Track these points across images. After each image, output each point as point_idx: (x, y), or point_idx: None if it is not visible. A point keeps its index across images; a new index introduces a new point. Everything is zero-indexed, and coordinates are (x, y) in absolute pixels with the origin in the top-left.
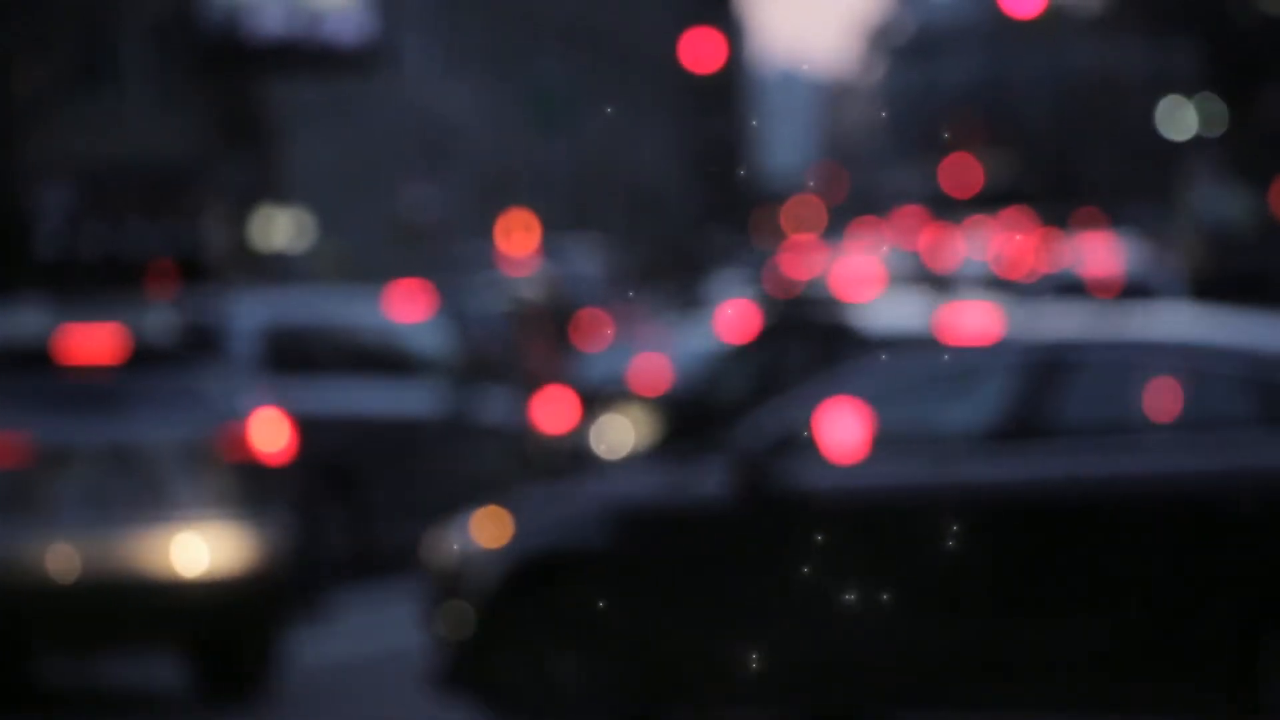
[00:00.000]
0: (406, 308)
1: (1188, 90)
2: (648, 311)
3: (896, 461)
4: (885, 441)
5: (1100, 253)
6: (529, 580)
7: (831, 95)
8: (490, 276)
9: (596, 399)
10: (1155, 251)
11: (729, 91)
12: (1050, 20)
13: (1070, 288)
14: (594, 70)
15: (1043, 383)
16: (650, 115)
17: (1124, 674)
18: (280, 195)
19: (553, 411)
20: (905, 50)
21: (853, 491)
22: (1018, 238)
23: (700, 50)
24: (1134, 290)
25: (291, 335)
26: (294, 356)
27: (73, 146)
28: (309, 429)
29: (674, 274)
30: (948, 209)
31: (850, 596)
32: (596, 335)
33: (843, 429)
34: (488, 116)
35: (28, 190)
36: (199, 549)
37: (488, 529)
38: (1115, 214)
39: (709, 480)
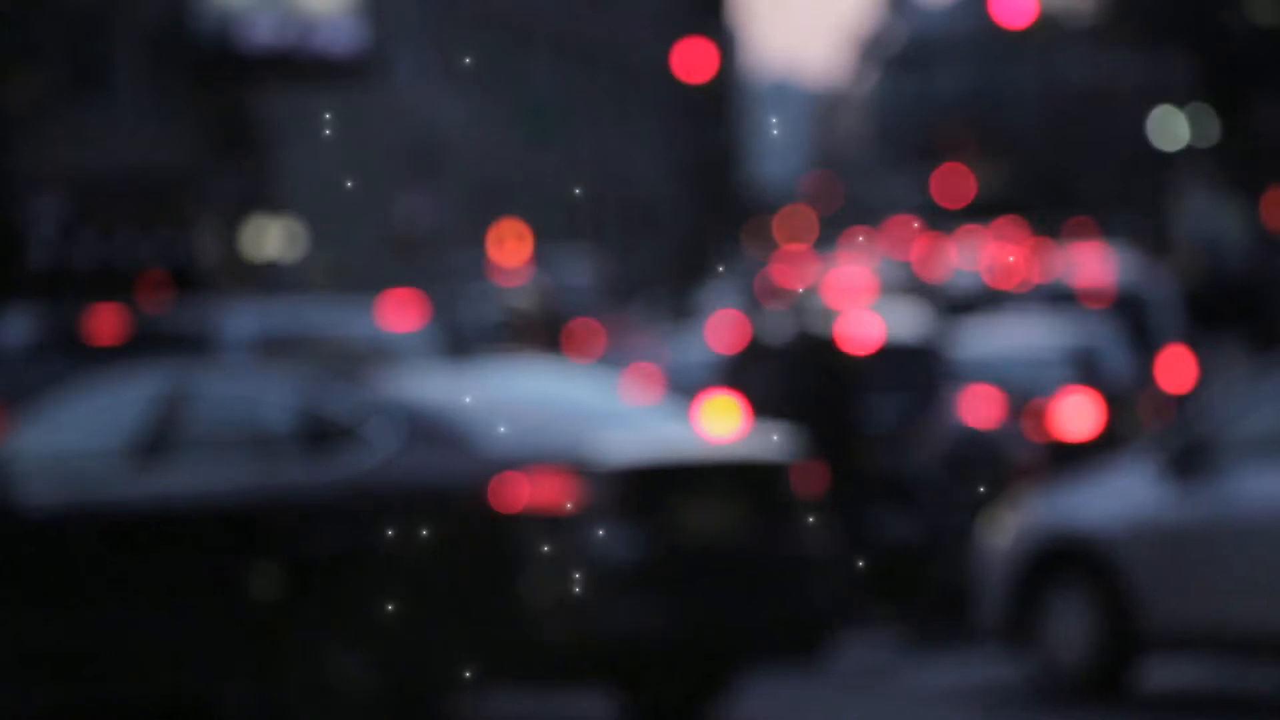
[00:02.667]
0: (399, 318)
1: (1180, 101)
2: (640, 321)
3: (60, 480)
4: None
5: (1092, 263)
6: None
7: (824, 105)
8: (483, 287)
9: None
10: (1147, 262)
11: (721, 101)
12: (1042, 30)
13: (1061, 297)
14: (586, 80)
15: (165, 410)
16: (643, 125)
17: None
18: (272, 205)
19: None
20: (897, 60)
21: (28, 507)
22: (1010, 251)
23: (693, 60)
24: (1125, 300)
25: (283, 345)
26: None
27: (65, 156)
28: None
29: (667, 283)
30: (940, 219)
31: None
32: (589, 345)
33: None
34: (480, 126)
35: (21, 200)
36: None
37: None
38: (1107, 224)
39: None
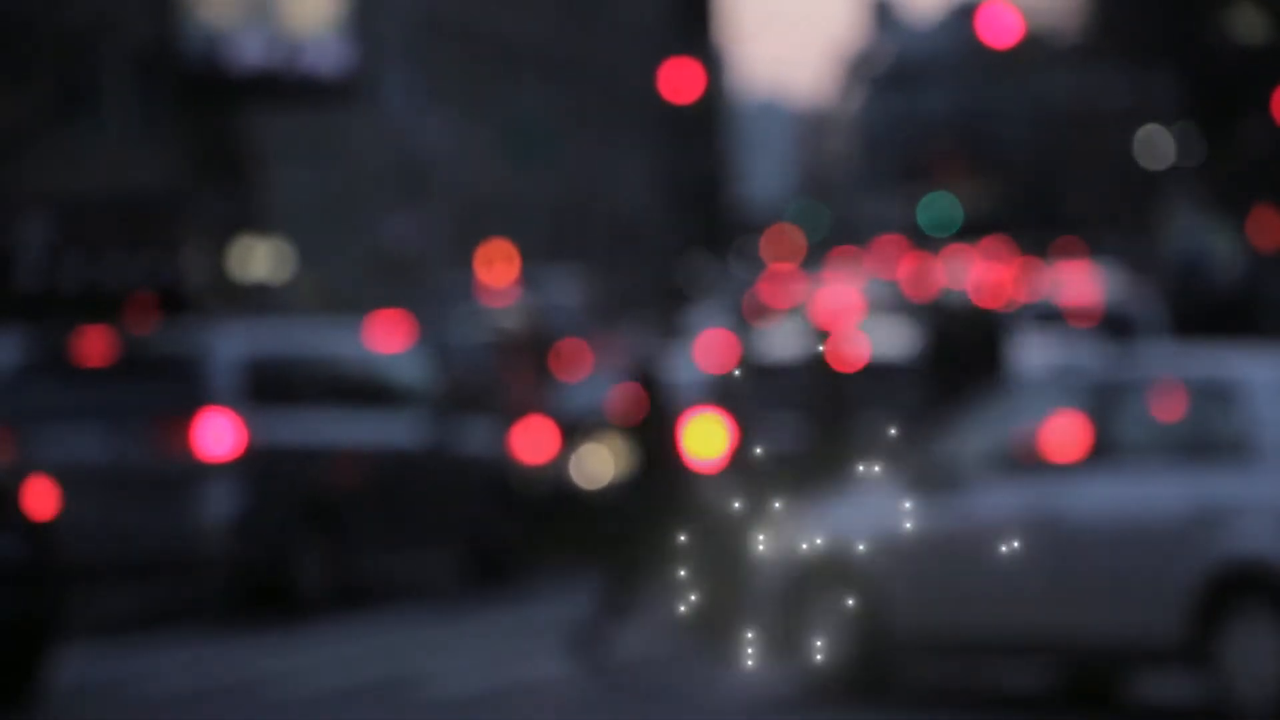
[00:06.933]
0: (387, 339)
1: (1166, 120)
2: (628, 341)
3: None
4: None
5: (1079, 282)
6: None
7: (810, 125)
8: (470, 307)
9: (576, 429)
10: (1134, 281)
11: (708, 122)
12: (1028, 50)
13: (1049, 317)
14: (573, 101)
15: None
16: (629, 146)
17: None
18: (260, 226)
19: (533, 441)
20: (884, 80)
21: None
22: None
23: (679, 81)
24: (1113, 319)
25: (272, 366)
26: (275, 387)
27: (52, 178)
28: (290, 460)
29: (654, 303)
30: (926, 238)
31: None
32: (576, 365)
33: None
34: (467, 147)
35: (7, 221)
36: None
37: None
38: (1094, 243)
39: None
